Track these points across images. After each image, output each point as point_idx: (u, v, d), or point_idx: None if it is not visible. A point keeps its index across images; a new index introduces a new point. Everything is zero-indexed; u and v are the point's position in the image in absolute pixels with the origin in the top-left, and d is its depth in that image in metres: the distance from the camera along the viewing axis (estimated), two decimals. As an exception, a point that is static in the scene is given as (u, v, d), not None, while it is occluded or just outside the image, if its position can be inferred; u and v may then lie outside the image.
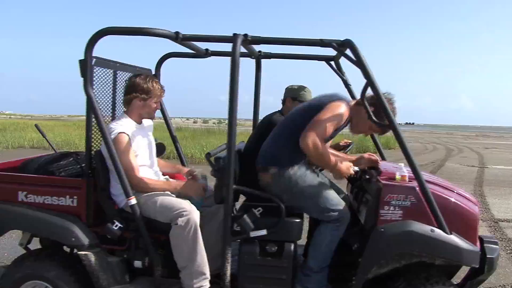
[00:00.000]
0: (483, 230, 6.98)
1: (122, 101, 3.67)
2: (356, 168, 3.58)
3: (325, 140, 3.27)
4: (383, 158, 4.18)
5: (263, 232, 3.25)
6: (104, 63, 3.65)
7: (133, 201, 3.20)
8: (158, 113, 3.79)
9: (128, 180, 3.22)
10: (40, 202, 3.37)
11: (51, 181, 3.42)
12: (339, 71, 4.22)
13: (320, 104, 3.32)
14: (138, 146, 3.47)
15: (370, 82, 3.05)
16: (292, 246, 3.33)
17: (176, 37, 3.17)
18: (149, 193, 3.37)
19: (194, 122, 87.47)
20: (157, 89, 3.51)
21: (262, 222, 3.22)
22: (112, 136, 3.26)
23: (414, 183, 3.11)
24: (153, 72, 4.27)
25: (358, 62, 3.02)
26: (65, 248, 3.72)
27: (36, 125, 4.72)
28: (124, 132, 3.33)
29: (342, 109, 3.31)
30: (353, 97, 4.08)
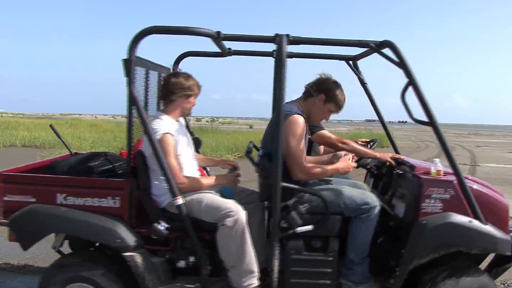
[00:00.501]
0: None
1: (152, 100, 3.88)
2: (368, 161, 3.88)
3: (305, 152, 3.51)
4: (396, 152, 4.33)
5: (309, 227, 3.34)
6: (141, 62, 3.70)
7: (180, 201, 3.20)
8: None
9: (174, 180, 3.22)
10: (80, 204, 3.33)
11: (94, 183, 3.39)
12: (356, 70, 4.36)
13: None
14: (181, 144, 3.51)
15: (412, 82, 3.19)
16: (336, 241, 3.44)
17: (217, 36, 3.20)
18: (192, 193, 3.39)
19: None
20: (197, 86, 3.57)
21: (306, 218, 3.33)
22: (158, 137, 3.26)
23: (452, 177, 3.35)
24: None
25: (400, 62, 3.17)
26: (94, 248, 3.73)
27: (51, 125, 4.60)
28: (169, 133, 3.36)
29: (298, 121, 3.48)
30: (369, 95, 4.34)
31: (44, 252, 5.33)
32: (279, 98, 3.09)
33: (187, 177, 3.39)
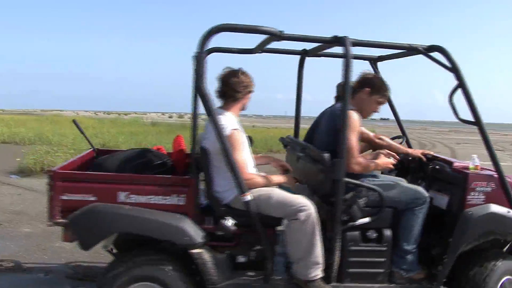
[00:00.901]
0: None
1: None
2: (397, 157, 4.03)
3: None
4: (409, 146, 4.72)
5: (367, 220, 3.52)
6: None
7: (248, 197, 3.23)
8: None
9: (242, 176, 3.23)
10: (143, 202, 3.29)
11: (159, 180, 3.37)
12: (377, 69, 4.68)
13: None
14: (244, 141, 3.55)
15: (462, 85, 3.48)
16: (390, 232, 3.65)
17: (279, 36, 3.26)
18: (259, 189, 3.43)
19: (170, 117, 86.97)
20: (252, 82, 3.64)
21: (364, 211, 3.51)
22: (227, 133, 3.29)
23: (491, 172, 3.76)
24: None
25: (452, 66, 3.45)
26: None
27: (74, 121, 4.51)
28: (237, 129, 3.40)
29: (355, 117, 3.66)
30: None
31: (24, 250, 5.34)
32: (345, 97, 3.28)
33: (253, 174, 3.47)
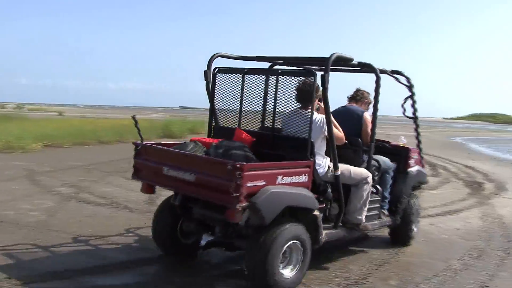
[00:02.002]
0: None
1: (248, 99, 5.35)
2: None
3: None
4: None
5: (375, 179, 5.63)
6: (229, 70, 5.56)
7: (339, 172, 4.74)
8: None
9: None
10: (289, 182, 4.25)
11: (297, 165, 4.43)
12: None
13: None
14: None
15: (412, 96, 6.02)
16: (380, 187, 5.63)
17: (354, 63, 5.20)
18: (341, 166, 4.83)
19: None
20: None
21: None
22: (325, 126, 4.67)
23: (414, 147, 6.23)
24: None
25: (409, 84, 5.91)
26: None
27: (133, 117, 5.36)
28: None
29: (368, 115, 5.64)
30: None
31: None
32: (375, 107, 5.31)
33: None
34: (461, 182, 12.16)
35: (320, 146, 4.79)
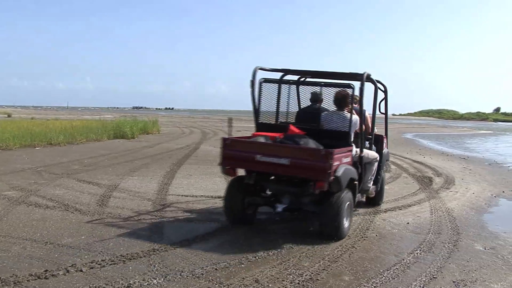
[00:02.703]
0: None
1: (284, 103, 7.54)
2: None
3: None
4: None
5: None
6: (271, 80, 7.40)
7: (364, 154, 6.81)
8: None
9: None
10: (345, 161, 6.29)
11: (349, 149, 6.55)
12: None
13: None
14: None
15: (386, 99, 8.02)
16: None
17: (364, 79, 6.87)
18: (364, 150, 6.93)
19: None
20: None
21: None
22: (357, 122, 6.86)
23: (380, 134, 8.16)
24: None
25: (384, 89, 7.84)
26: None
27: (229, 119, 7.58)
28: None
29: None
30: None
31: None
32: (374, 109, 7.61)
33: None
34: (411, 177, 12.51)
35: (352, 137, 6.77)
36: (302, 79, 7.79)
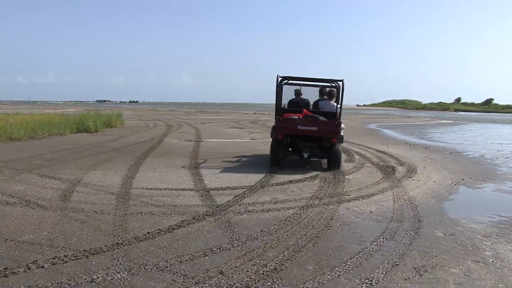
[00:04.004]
0: (195, 200, 7.62)
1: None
2: None
3: None
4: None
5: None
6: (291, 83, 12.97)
7: (342, 126, 12.27)
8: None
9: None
10: (342, 128, 12.28)
11: (340, 123, 11.94)
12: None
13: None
14: None
15: (342, 95, 12.08)
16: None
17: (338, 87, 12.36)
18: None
19: None
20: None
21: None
22: (338, 108, 12.41)
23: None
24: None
25: (342, 88, 11.97)
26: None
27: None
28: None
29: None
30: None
31: None
32: (342, 101, 12.30)
33: None
34: (374, 167, 12.71)
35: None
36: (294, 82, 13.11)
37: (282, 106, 12.78)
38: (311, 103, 13.21)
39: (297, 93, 13.06)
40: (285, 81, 12.42)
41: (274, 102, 12.60)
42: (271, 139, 12.31)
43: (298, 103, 12.88)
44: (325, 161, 12.46)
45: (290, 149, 12.14)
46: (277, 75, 11.93)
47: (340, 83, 11.80)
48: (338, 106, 12.14)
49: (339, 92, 11.96)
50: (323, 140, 11.75)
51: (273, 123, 12.86)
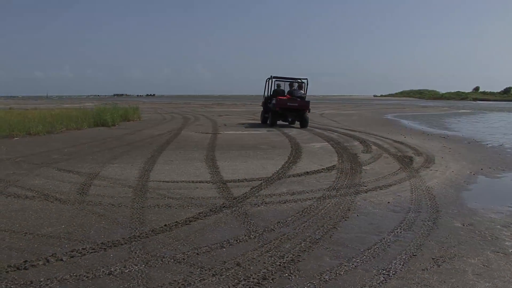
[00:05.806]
0: (212, 192, 7.63)
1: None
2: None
3: None
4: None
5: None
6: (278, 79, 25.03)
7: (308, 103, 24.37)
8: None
9: None
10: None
11: (309, 102, 24.27)
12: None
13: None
14: None
15: (305, 87, 24.70)
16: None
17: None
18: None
19: None
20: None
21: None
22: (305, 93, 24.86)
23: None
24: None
25: (307, 82, 24.78)
26: None
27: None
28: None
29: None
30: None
31: None
32: (306, 91, 25.03)
33: None
34: (392, 157, 12.61)
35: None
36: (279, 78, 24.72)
37: (267, 94, 24.45)
38: (286, 92, 24.08)
39: (278, 86, 24.39)
40: (271, 79, 24.36)
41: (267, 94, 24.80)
42: (268, 122, 23.86)
43: (278, 92, 23.89)
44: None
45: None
46: (271, 76, 24.32)
47: (306, 80, 24.37)
48: (305, 94, 24.32)
49: (306, 85, 24.34)
50: (299, 111, 22.82)
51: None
